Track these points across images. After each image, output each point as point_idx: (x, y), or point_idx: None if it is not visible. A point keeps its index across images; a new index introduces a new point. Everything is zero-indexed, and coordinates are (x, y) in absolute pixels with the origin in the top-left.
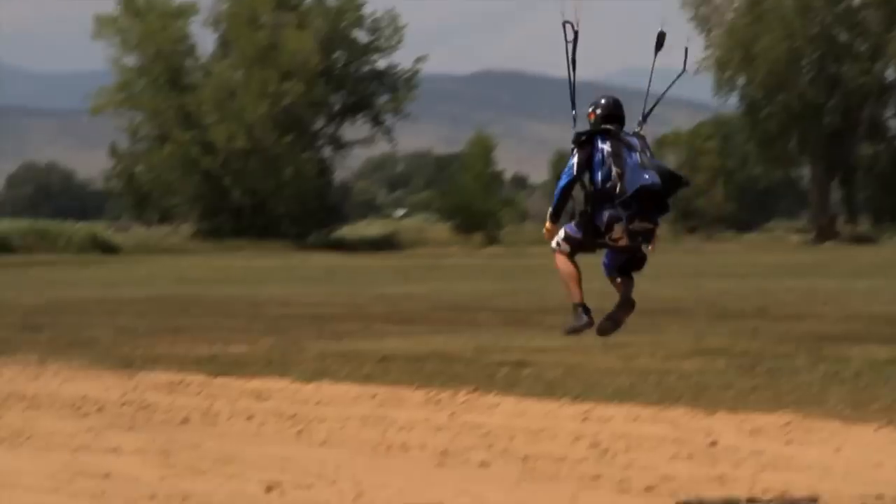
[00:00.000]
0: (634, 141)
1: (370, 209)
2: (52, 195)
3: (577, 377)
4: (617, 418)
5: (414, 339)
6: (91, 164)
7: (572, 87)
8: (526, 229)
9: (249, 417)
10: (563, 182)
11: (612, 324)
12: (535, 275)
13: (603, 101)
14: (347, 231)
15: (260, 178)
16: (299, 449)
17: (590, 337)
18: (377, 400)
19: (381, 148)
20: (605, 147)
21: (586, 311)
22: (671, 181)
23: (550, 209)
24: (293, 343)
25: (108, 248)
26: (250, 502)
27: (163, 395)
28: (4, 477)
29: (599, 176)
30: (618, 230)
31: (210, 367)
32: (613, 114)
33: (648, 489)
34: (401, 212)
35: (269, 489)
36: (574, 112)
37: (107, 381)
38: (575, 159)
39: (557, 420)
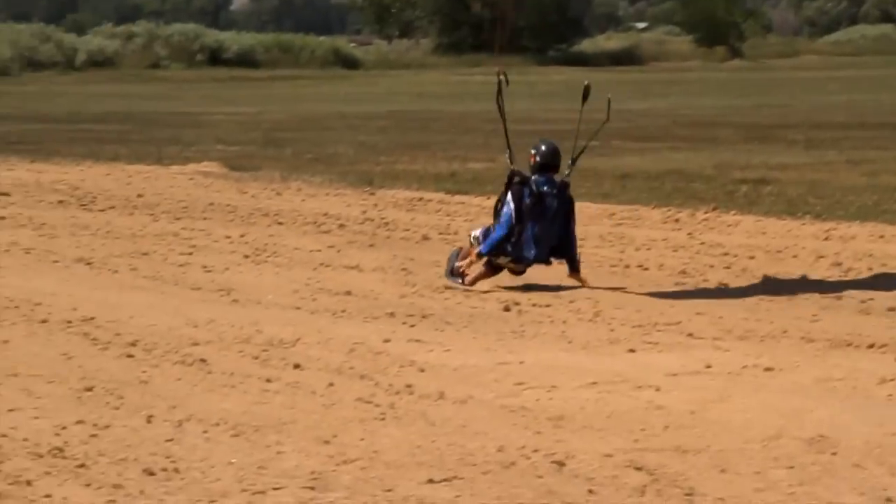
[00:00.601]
0: (551, 204)
1: (611, 21)
2: (295, 8)
3: (820, 195)
4: (860, 237)
5: (653, 157)
6: None
7: (506, 133)
8: (770, 42)
9: None
10: (501, 233)
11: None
12: (778, 89)
13: (543, 148)
14: (587, 45)
15: None
16: (536, 268)
17: (834, 153)
18: (615, 218)
19: None
20: (527, 202)
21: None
22: (558, 252)
23: (485, 254)
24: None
25: (349, 63)
26: (489, 320)
27: (402, 213)
28: (248, 292)
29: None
30: (503, 260)
31: (449, 185)
32: (549, 163)
33: (891, 310)
34: (642, 24)
35: (506, 308)
36: (508, 153)
37: (348, 197)
38: (512, 207)
39: (798, 239)
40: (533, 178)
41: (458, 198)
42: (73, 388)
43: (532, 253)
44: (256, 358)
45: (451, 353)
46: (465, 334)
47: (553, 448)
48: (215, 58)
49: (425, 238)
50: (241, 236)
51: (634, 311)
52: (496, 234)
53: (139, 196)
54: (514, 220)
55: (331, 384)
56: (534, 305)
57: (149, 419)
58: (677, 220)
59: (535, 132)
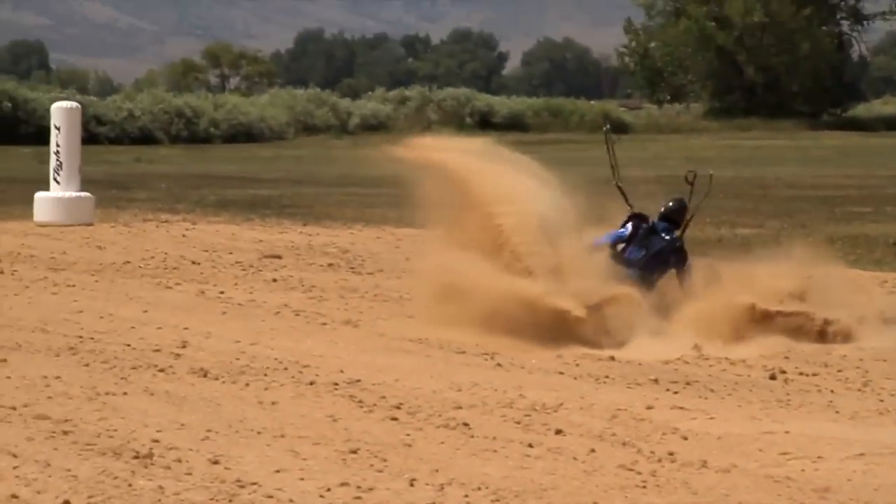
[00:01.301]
0: (660, 244)
1: (888, 86)
2: (567, 73)
3: None
4: None
5: None
6: (606, 41)
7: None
8: None
9: None
10: (608, 239)
11: None
12: None
13: (671, 203)
14: (863, 109)
15: (775, 53)
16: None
17: None
18: (888, 286)
19: None
20: (641, 232)
21: None
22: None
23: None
24: (801, 226)
25: (618, 127)
26: (754, 388)
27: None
28: (512, 357)
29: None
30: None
31: (716, 251)
32: (670, 216)
33: None
34: None
35: (772, 376)
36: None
37: None
38: (628, 230)
39: None
40: (654, 220)
41: (721, 263)
42: (339, 449)
43: (632, 270)
44: (518, 423)
45: (715, 421)
46: (730, 402)
47: None
48: (485, 121)
49: None
50: None
51: None
52: (604, 238)
53: (407, 259)
54: (624, 238)
55: (592, 450)
56: (800, 374)
57: (411, 482)
58: None
59: (806, 197)
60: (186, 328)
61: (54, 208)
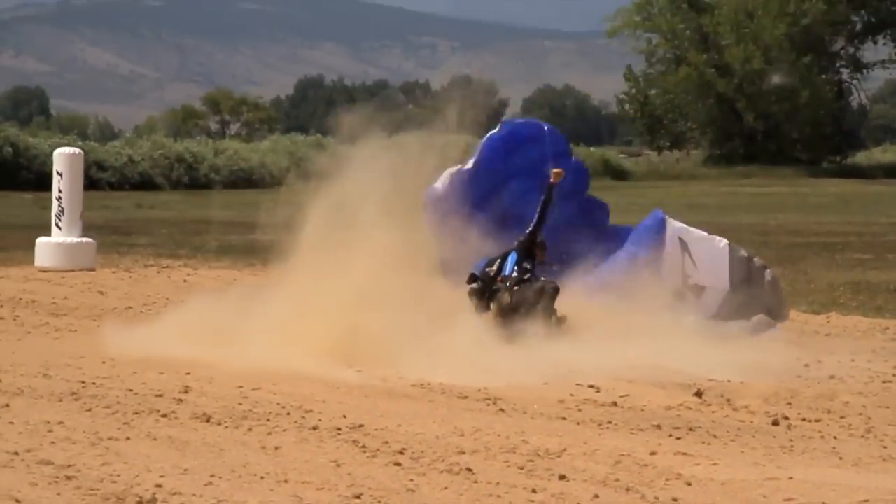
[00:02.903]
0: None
1: (887, 133)
2: (566, 120)
3: None
4: None
5: None
6: (606, 87)
7: None
8: None
9: None
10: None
11: None
12: None
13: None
14: (862, 157)
15: (775, 101)
16: (804, 382)
17: None
18: (889, 333)
19: None
20: None
21: None
22: None
23: None
24: (803, 273)
25: (618, 174)
26: (757, 434)
27: None
28: (514, 402)
29: None
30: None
31: None
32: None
33: None
34: None
35: (775, 422)
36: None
37: None
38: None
39: None
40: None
41: None
42: (342, 495)
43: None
44: (522, 468)
45: (719, 468)
46: (733, 448)
47: None
48: None
49: None
50: None
51: None
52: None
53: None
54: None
55: (596, 496)
56: (803, 420)
57: None
58: None
59: (807, 244)
60: (188, 373)
61: (56, 254)
